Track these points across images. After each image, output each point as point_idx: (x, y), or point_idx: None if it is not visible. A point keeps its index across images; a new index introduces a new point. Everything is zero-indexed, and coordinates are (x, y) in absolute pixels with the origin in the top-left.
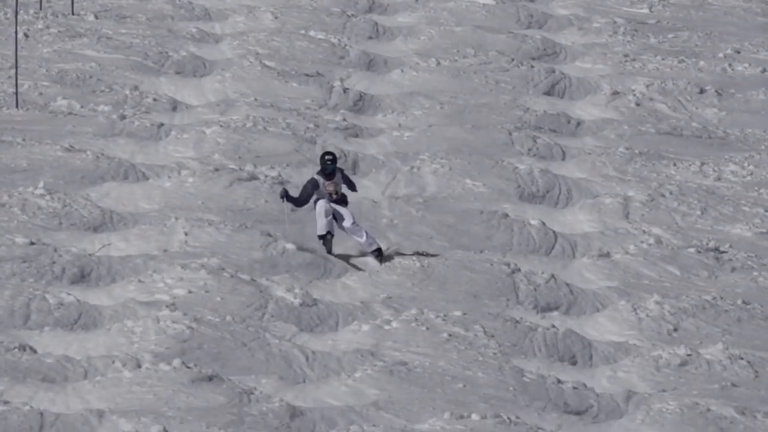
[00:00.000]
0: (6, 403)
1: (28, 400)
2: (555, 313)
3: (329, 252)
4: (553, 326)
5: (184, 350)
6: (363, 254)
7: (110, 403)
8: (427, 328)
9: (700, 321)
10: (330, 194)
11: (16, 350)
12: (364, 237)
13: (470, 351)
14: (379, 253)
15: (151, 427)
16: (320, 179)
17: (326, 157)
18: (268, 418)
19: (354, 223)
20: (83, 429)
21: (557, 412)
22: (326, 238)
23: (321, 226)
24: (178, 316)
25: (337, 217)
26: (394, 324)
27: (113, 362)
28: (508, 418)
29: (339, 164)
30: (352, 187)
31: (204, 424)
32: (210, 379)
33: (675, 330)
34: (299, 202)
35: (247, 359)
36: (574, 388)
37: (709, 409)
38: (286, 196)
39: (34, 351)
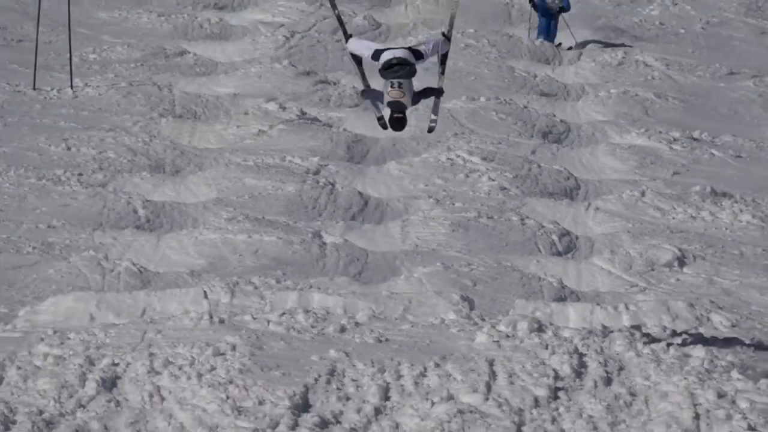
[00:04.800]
0: (156, 84)
1: (185, 85)
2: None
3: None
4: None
5: (290, 54)
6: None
7: (241, 89)
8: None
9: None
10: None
11: (180, 55)
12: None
13: (479, 56)
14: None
15: (268, 103)
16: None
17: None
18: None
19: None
20: (223, 103)
21: (536, 94)
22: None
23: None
24: (285, 31)
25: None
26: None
27: (244, 62)
28: (504, 99)
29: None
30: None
31: (302, 103)
32: (307, 74)
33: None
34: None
35: (331, 61)
36: (548, 78)
37: (636, 94)
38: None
39: (194, 53)
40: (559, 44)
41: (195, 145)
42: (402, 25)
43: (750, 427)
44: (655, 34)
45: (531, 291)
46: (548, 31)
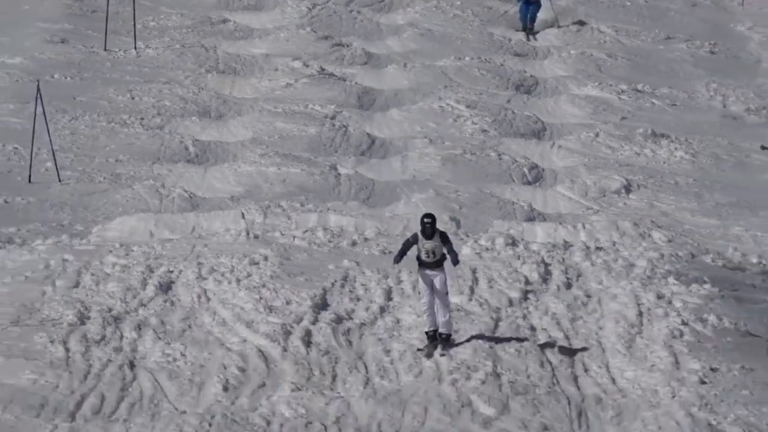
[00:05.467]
0: (203, 46)
1: (227, 47)
2: None
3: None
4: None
5: (312, 22)
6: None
7: (272, 50)
8: (442, 11)
9: (590, 9)
10: (427, 252)
11: (223, 23)
12: (444, 318)
13: (464, 24)
14: (446, 339)
15: (294, 62)
16: (420, 238)
17: (425, 220)
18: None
19: (443, 299)
20: (258, 62)
21: (510, 55)
22: (430, 336)
23: (428, 322)
24: (308, 3)
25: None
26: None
27: (275, 28)
28: (484, 59)
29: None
30: (453, 255)
31: (322, 62)
32: (326, 38)
33: (581, 28)
34: (401, 254)
35: (345, 28)
36: (520, 42)
37: (591, 55)
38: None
39: (234, 21)
40: (534, 33)
41: (235, 95)
42: None
43: (683, 323)
44: (607, 7)
45: (506, 213)
46: (527, 16)
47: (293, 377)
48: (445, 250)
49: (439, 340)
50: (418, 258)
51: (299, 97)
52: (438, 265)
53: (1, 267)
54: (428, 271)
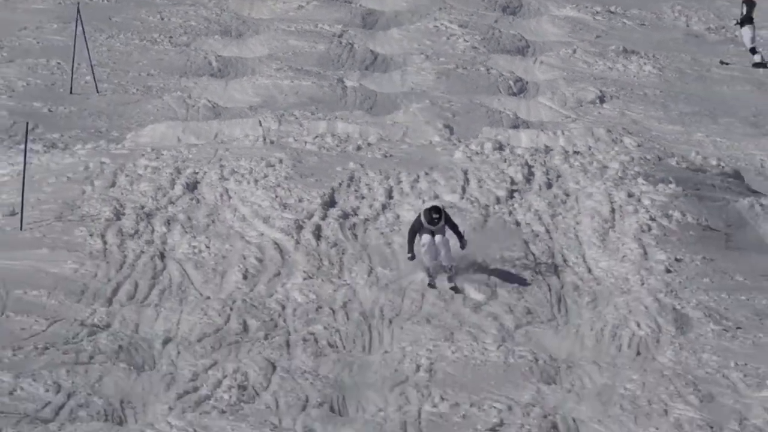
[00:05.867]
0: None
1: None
2: None
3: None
4: None
5: None
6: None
7: None
8: None
9: None
10: (432, 232)
11: None
12: (444, 251)
13: None
14: (449, 270)
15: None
16: (424, 222)
17: (434, 215)
18: None
19: (447, 254)
20: None
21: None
22: (432, 285)
23: (426, 260)
24: None
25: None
26: None
27: None
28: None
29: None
30: (460, 238)
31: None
32: None
33: None
34: (410, 245)
35: None
36: None
37: None
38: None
39: None
40: None
41: (253, 16)
42: None
43: (651, 218)
44: None
45: (494, 121)
46: None
47: (305, 267)
48: (450, 231)
49: (446, 272)
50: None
51: (310, 17)
52: (440, 231)
53: (45, 169)
54: (431, 228)
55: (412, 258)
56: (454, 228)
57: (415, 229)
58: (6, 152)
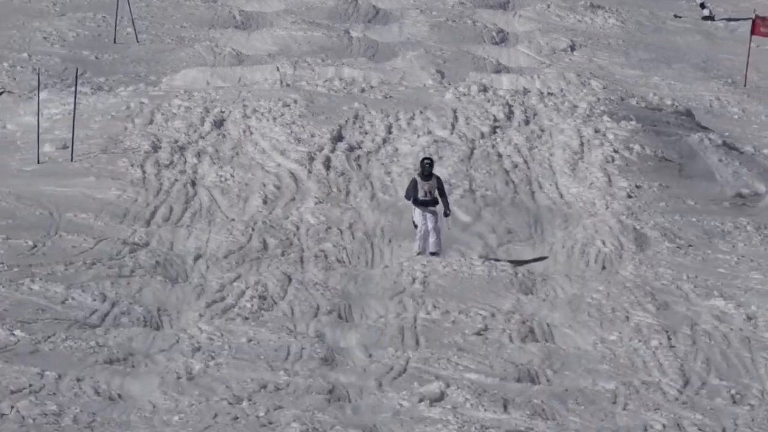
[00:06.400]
0: None
1: None
2: None
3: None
4: None
5: None
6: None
7: None
8: None
9: None
10: (425, 192)
11: None
12: (433, 239)
13: None
14: (434, 254)
15: None
16: (419, 179)
17: (425, 161)
18: None
19: (435, 227)
20: None
21: None
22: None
23: (417, 245)
24: None
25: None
26: None
27: None
28: None
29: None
30: (445, 203)
31: None
32: None
33: None
34: (408, 193)
35: None
36: None
37: None
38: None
39: None
40: None
41: None
42: None
43: (614, 151)
44: None
45: (479, 66)
46: None
47: (316, 193)
48: (437, 195)
49: (431, 254)
50: (415, 199)
51: None
52: (434, 203)
53: (92, 108)
54: (425, 208)
55: (409, 198)
56: (444, 197)
57: (412, 185)
58: (58, 94)
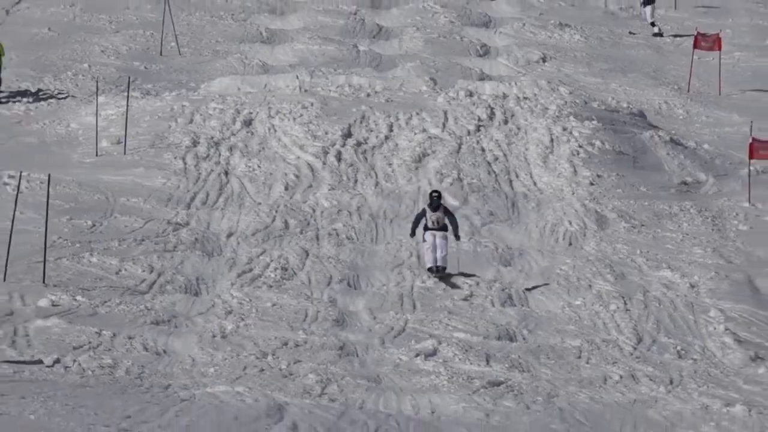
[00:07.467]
0: None
1: None
2: None
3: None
4: None
5: None
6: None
7: None
8: None
9: None
10: (433, 222)
11: None
12: (441, 255)
13: None
14: (442, 270)
15: None
16: (428, 210)
17: (433, 194)
18: None
19: (442, 243)
20: None
21: None
22: (432, 270)
23: (428, 259)
24: None
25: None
26: None
27: None
28: None
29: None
30: (454, 226)
31: None
32: None
33: None
34: (414, 227)
35: None
36: None
37: None
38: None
39: None
40: None
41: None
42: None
43: (579, 146)
44: None
45: (466, 75)
46: None
47: (329, 181)
48: (447, 222)
49: (436, 271)
50: (425, 226)
51: (333, 0)
52: (441, 230)
53: (142, 110)
54: (433, 232)
55: (413, 236)
56: (453, 221)
57: (420, 216)
58: (114, 98)
